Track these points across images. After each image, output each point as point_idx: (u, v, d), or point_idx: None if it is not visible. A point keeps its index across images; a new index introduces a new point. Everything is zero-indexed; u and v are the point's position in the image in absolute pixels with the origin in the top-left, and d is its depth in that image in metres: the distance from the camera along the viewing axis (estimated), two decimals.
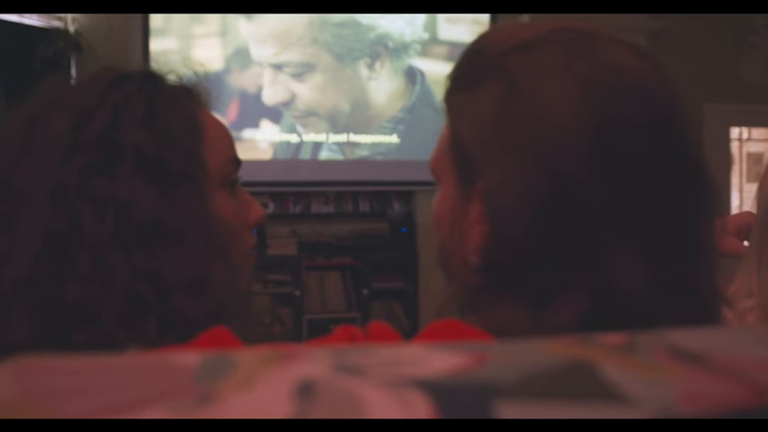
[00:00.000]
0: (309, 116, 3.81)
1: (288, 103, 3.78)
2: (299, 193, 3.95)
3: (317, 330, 3.68)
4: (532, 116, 0.45)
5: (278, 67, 3.75)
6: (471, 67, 0.51)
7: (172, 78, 0.67)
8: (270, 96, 3.76)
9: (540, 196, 0.44)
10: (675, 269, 0.44)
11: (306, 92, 3.80)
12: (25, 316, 0.52)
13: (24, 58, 3.08)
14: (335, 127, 3.84)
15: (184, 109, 0.63)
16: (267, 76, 3.75)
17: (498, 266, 0.46)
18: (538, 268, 0.44)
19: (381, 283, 3.93)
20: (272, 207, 3.91)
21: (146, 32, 3.58)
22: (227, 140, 0.68)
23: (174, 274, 0.55)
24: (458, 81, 0.52)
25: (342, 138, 3.85)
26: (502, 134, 0.46)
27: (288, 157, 3.82)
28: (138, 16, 3.54)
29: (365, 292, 3.86)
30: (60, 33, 3.32)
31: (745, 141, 4.77)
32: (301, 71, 3.79)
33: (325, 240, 4.00)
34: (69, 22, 3.39)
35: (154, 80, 0.64)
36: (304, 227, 4.00)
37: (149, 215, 0.56)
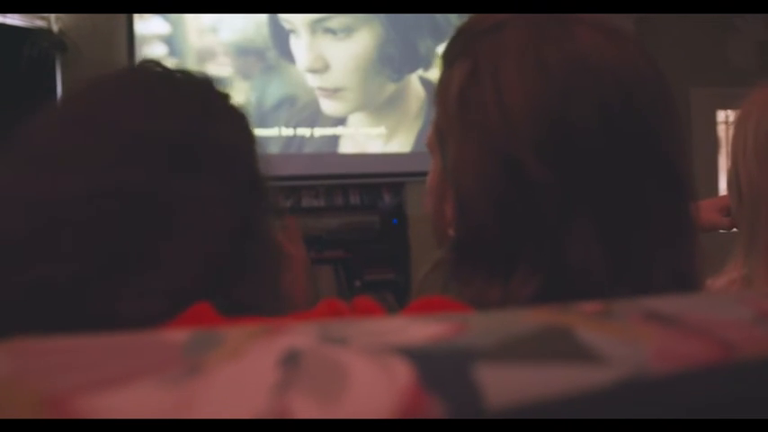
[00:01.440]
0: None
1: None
2: (289, 187, 3.95)
3: None
4: (490, 100, 0.46)
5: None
6: (451, 46, 0.52)
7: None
8: None
9: (494, 180, 0.45)
10: (633, 249, 0.45)
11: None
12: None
13: (8, 59, 3.06)
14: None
15: (238, 113, 0.64)
16: None
17: (465, 242, 0.47)
18: (497, 246, 0.45)
19: (374, 276, 3.95)
20: None
21: (130, 30, 3.56)
22: None
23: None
24: (443, 59, 0.53)
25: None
26: (462, 114, 0.47)
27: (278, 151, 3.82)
28: (122, 14, 3.52)
29: (357, 284, 3.87)
30: (44, 33, 3.30)
31: (731, 124, 4.80)
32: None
33: (316, 234, 4.01)
34: (53, 21, 3.37)
35: (209, 84, 0.64)
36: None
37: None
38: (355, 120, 3.90)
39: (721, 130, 4.48)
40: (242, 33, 3.75)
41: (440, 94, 0.51)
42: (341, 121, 3.89)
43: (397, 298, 3.99)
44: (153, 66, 0.62)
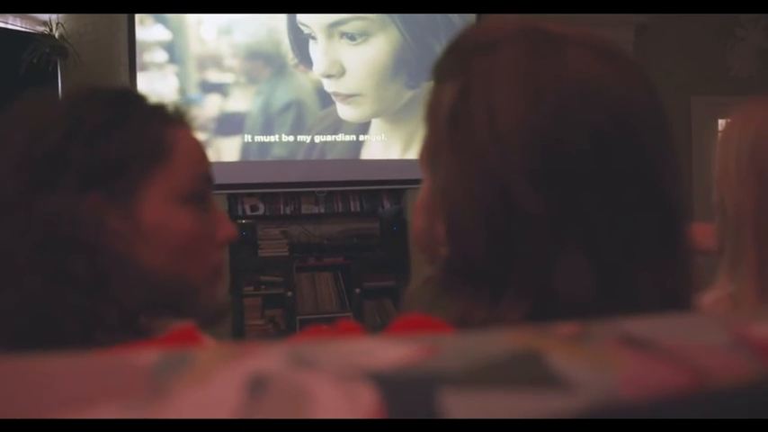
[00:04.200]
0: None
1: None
2: (289, 193, 3.95)
3: None
4: (480, 121, 0.45)
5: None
6: (443, 61, 0.52)
7: (152, 99, 0.69)
8: None
9: (484, 203, 0.44)
10: (624, 274, 0.45)
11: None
12: None
13: (9, 64, 3.07)
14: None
15: (148, 125, 0.66)
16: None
17: (455, 262, 0.46)
18: (486, 268, 0.45)
19: (373, 282, 3.94)
20: (262, 209, 3.91)
21: (132, 36, 3.57)
22: (197, 157, 0.70)
23: (109, 287, 0.56)
24: (433, 74, 0.53)
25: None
26: (452, 134, 0.47)
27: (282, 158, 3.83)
28: (123, 20, 3.53)
29: (357, 291, 3.87)
30: (45, 38, 3.31)
31: (717, 143, 4.79)
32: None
33: (316, 241, 4.01)
34: (54, 26, 3.38)
35: (124, 97, 0.67)
36: (295, 228, 4.01)
37: (88, 227, 0.58)
38: (371, 128, 3.92)
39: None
40: (254, 37, 3.76)
41: (430, 112, 0.51)
42: (358, 130, 3.91)
43: (396, 305, 3.99)
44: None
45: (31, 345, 0.53)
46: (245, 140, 3.77)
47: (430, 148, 0.50)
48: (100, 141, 0.61)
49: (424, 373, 0.24)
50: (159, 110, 0.68)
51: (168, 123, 0.68)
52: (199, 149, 0.70)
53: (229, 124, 3.73)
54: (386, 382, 0.24)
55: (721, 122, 4.47)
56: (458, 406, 0.23)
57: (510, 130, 0.44)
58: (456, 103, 0.47)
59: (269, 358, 0.26)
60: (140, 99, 0.68)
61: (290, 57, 3.80)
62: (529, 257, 0.44)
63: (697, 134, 4.27)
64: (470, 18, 3.86)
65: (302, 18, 3.78)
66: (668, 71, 4.16)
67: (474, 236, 0.45)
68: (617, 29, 3.93)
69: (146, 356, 0.27)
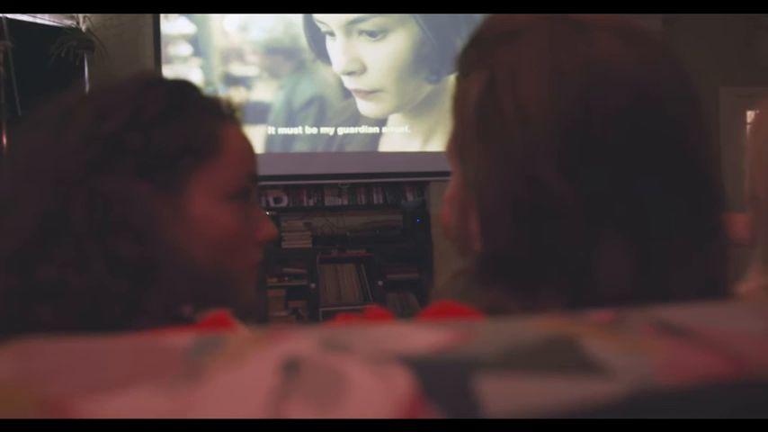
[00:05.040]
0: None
1: None
2: (312, 185, 3.96)
3: None
4: (508, 111, 0.45)
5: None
6: (466, 54, 0.51)
7: (207, 90, 0.70)
8: None
9: (516, 196, 0.44)
10: (662, 260, 0.44)
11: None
12: (3, 290, 0.55)
13: (38, 57, 3.11)
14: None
15: (204, 120, 0.66)
16: None
17: (489, 256, 0.46)
18: (520, 261, 0.44)
19: (396, 275, 3.94)
20: (285, 200, 3.93)
21: (157, 29, 3.60)
22: (245, 156, 0.70)
23: (149, 270, 0.57)
24: (457, 67, 0.52)
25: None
26: (481, 126, 0.46)
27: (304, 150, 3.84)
28: (148, 14, 3.56)
29: (380, 283, 3.87)
30: (72, 32, 3.35)
31: (748, 133, 4.72)
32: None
33: (339, 233, 4.02)
34: (81, 20, 3.42)
35: (184, 89, 0.68)
36: (318, 219, 4.02)
37: (136, 212, 0.58)
38: (392, 120, 3.91)
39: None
40: (270, 33, 3.77)
41: (457, 105, 0.50)
42: (379, 122, 3.90)
43: (419, 297, 3.99)
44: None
45: (73, 322, 0.54)
46: (269, 132, 3.79)
47: (458, 141, 0.50)
48: (158, 132, 0.62)
49: (459, 358, 0.24)
50: (214, 105, 0.69)
51: (221, 119, 0.69)
52: (248, 148, 0.71)
53: (253, 113, 3.74)
54: (420, 365, 0.24)
55: (750, 114, 4.39)
56: (493, 390, 0.23)
57: (538, 116, 0.44)
58: (483, 95, 0.47)
59: (301, 342, 0.26)
60: (197, 92, 0.69)
61: (308, 52, 3.80)
62: (565, 247, 0.43)
63: (725, 125, 4.20)
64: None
65: (319, 15, 3.78)
66: (696, 62, 4.08)
67: (507, 227, 0.44)
68: (644, 19, 3.87)
69: (181, 339, 0.27)
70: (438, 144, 3.89)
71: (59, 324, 0.54)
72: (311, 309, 3.81)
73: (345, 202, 4.03)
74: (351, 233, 4.01)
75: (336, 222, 4.05)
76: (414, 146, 3.94)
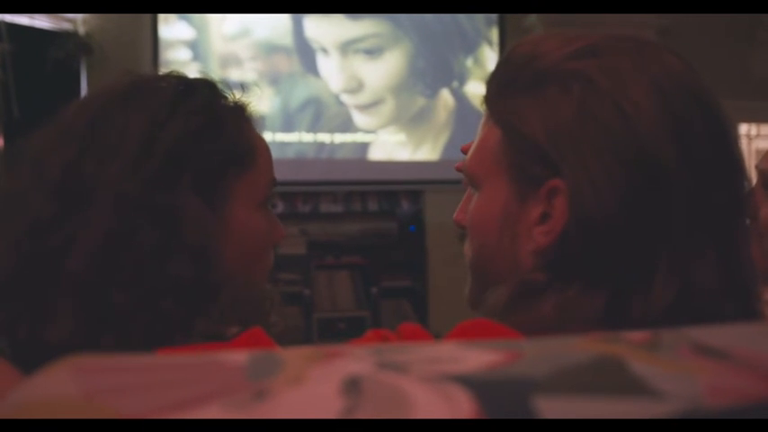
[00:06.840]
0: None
1: None
2: (307, 192, 3.97)
3: (326, 329, 3.70)
4: (617, 117, 0.47)
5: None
6: (527, 71, 0.51)
7: (228, 92, 0.69)
8: None
9: (630, 187, 0.46)
10: (737, 263, 0.48)
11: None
12: (71, 313, 0.53)
13: (35, 61, 3.11)
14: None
15: (242, 129, 0.65)
16: None
17: (574, 262, 0.47)
18: (621, 262, 0.46)
19: (390, 282, 3.95)
20: (281, 206, 3.93)
21: (155, 33, 3.60)
22: (270, 162, 0.70)
23: (209, 293, 0.56)
24: (509, 86, 0.52)
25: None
26: (585, 134, 0.47)
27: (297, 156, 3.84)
28: (147, 18, 3.56)
29: (374, 290, 3.88)
30: (70, 36, 3.34)
31: (755, 138, 4.76)
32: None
33: (334, 240, 4.02)
34: (79, 24, 3.42)
35: (215, 95, 0.66)
36: (313, 226, 4.02)
37: (198, 231, 0.57)
38: (388, 129, 3.93)
39: (743, 144, 4.43)
40: (269, 37, 3.78)
41: (529, 121, 0.49)
42: (368, 130, 3.92)
43: (413, 305, 3.99)
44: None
45: (128, 344, 0.53)
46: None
47: (534, 158, 0.49)
48: (207, 143, 0.61)
49: (516, 378, 0.25)
50: (243, 110, 0.68)
51: (252, 125, 0.68)
52: (269, 151, 0.71)
53: None
54: (479, 385, 0.25)
55: (744, 127, 4.43)
56: (551, 410, 0.24)
57: (647, 120, 0.46)
58: (582, 105, 0.48)
59: (357, 361, 0.27)
60: (223, 94, 0.67)
61: (298, 66, 3.81)
62: (666, 248, 0.45)
63: None
64: (480, 20, 3.87)
65: (311, 34, 3.78)
66: None
67: (616, 230, 0.46)
68: (638, 31, 3.91)
69: (237, 357, 0.28)
70: (433, 153, 3.91)
71: (116, 347, 0.53)
72: (306, 315, 3.80)
73: (341, 209, 4.04)
74: (346, 240, 4.01)
75: (332, 229, 4.06)
76: (409, 154, 3.95)
